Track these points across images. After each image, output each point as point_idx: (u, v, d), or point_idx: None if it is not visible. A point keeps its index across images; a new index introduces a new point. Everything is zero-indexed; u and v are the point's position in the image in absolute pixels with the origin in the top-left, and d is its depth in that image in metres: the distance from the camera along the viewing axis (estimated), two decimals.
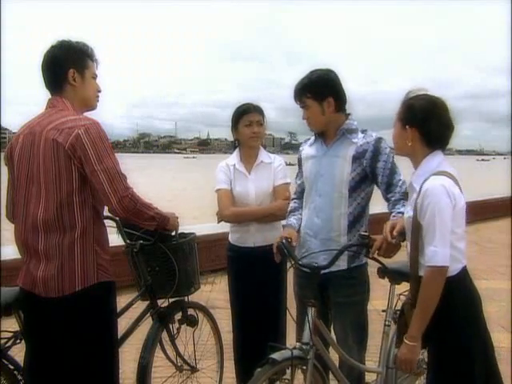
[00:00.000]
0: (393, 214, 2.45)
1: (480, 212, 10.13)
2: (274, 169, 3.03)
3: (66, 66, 2.15)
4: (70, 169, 2.01)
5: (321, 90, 2.51)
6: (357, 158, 2.52)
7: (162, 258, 2.60)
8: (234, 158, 3.09)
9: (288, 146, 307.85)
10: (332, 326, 2.63)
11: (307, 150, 2.74)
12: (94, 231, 2.07)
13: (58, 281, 2.01)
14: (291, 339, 2.53)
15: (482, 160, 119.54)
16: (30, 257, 2.10)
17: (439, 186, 1.94)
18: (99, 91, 2.27)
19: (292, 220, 2.71)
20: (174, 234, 2.54)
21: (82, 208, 2.04)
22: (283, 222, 3.09)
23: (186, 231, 2.73)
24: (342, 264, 2.53)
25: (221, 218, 3.03)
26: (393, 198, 2.49)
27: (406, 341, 2.00)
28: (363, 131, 2.58)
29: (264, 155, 3.07)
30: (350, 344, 2.54)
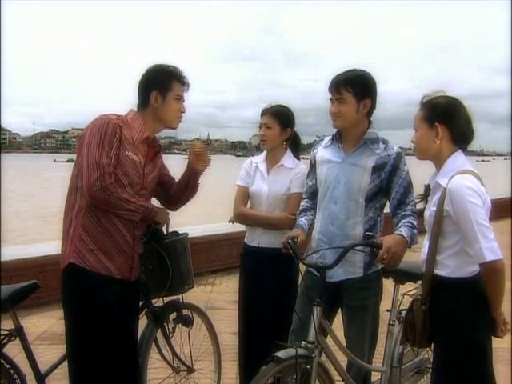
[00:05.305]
0: (403, 221, 2.42)
1: None
2: (292, 175, 2.94)
3: (150, 88, 2.33)
4: (78, 157, 2.24)
5: (363, 89, 2.49)
6: (377, 169, 2.49)
7: (156, 256, 2.60)
8: (260, 157, 3.10)
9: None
10: (343, 329, 2.61)
11: (322, 153, 2.67)
12: (83, 218, 2.22)
13: (62, 254, 2.26)
14: None
15: (483, 161, 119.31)
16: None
17: (467, 185, 1.95)
18: (182, 112, 2.40)
19: (302, 220, 2.68)
20: (166, 233, 2.57)
21: (81, 194, 2.21)
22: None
23: (180, 231, 2.75)
24: (358, 272, 2.52)
25: (232, 216, 3.08)
26: (403, 213, 2.46)
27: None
28: (384, 141, 2.55)
29: (287, 159, 3.00)
30: (361, 347, 2.53)
